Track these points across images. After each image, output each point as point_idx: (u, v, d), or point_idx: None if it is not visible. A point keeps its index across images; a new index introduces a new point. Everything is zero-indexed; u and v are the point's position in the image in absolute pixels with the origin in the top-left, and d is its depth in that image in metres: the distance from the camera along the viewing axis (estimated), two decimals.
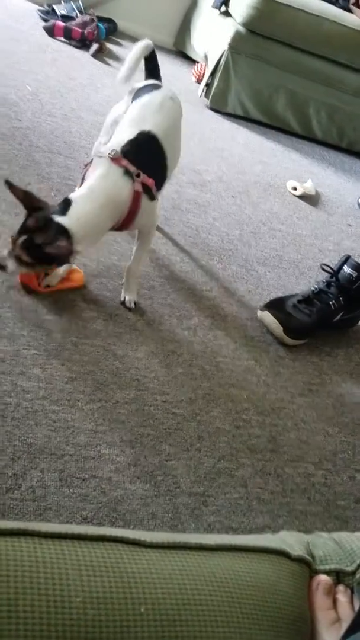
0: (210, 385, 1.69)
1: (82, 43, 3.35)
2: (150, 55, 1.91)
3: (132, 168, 1.58)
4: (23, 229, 1.53)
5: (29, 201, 1.55)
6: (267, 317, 1.98)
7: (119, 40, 3.69)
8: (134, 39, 3.71)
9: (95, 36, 3.37)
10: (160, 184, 1.73)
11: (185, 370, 1.69)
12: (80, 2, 3.51)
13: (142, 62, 1.92)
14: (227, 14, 3.46)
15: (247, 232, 2.52)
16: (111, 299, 1.80)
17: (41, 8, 3.48)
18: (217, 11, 3.50)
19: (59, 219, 1.51)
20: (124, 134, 1.68)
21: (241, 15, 3.27)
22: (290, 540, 0.75)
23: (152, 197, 1.66)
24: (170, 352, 1.72)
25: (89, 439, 1.37)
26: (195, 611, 0.60)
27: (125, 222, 1.64)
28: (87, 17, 3.41)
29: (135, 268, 1.81)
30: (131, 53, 1.89)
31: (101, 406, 1.46)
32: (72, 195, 1.57)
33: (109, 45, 3.51)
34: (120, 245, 2.02)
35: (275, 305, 2.00)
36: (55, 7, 3.45)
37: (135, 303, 1.82)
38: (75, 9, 3.48)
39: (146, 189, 1.62)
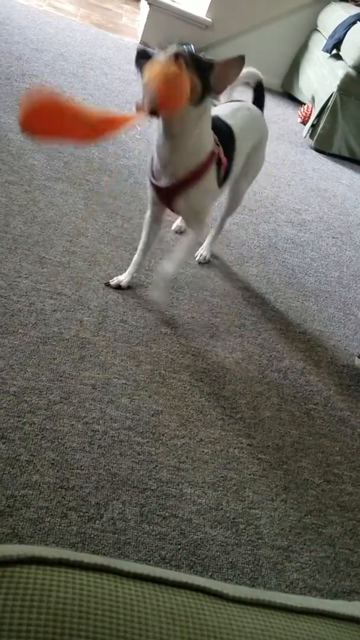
0: (300, 433, 1.62)
1: None
2: (257, 86, 1.96)
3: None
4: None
5: None
6: None
7: None
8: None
9: None
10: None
11: (273, 415, 1.63)
12: (192, 46, 3.65)
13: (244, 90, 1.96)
14: (337, 56, 3.46)
15: (348, 274, 2.44)
16: (201, 334, 1.80)
17: None
18: (328, 54, 3.52)
19: None
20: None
21: (352, 58, 3.26)
22: None
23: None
24: (258, 394, 1.68)
25: (171, 476, 1.34)
26: None
27: (194, 174, 1.54)
28: None
29: (168, 267, 1.65)
30: None
31: (185, 443, 1.44)
32: None
33: None
34: (212, 281, 2.02)
35: None
36: None
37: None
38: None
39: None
